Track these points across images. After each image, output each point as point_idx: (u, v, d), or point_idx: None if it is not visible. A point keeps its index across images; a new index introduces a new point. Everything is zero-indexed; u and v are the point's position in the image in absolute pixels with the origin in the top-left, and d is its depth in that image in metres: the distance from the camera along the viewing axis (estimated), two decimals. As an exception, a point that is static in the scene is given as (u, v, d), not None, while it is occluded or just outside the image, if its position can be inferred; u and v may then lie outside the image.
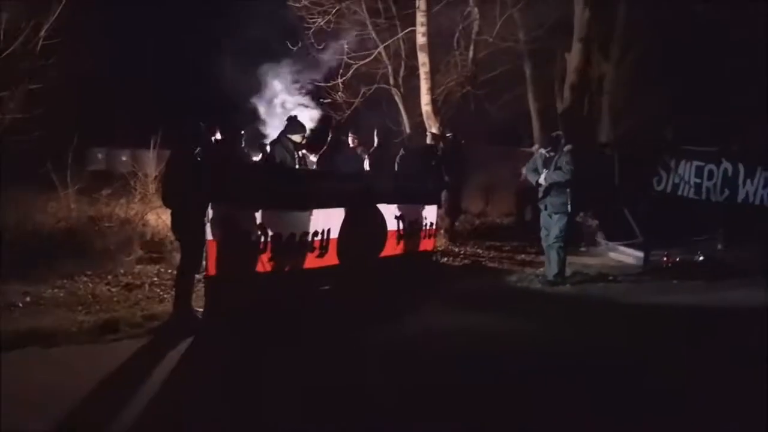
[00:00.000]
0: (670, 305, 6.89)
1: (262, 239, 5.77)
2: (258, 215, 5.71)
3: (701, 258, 9.26)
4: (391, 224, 7.48)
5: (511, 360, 4.87)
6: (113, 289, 6.55)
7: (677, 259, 9.13)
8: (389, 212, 7.44)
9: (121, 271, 7.18)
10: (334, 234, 6.53)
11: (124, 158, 16.27)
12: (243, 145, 6.06)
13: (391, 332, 5.54)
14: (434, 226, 8.45)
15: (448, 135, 10.37)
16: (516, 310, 6.52)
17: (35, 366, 4.44)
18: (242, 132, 5.98)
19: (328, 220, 6.48)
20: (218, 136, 5.99)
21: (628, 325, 6.13)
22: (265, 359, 4.81)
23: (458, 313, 6.31)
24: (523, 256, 9.57)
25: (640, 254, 9.29)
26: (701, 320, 6.29)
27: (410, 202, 7.84)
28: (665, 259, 9.05)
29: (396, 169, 8.79)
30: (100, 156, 18.26)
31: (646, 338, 5.64)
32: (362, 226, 6.90)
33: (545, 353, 5.08)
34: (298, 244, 6.14)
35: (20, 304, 5.80)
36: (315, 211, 6.31)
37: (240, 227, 5.54)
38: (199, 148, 5.55)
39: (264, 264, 5.80)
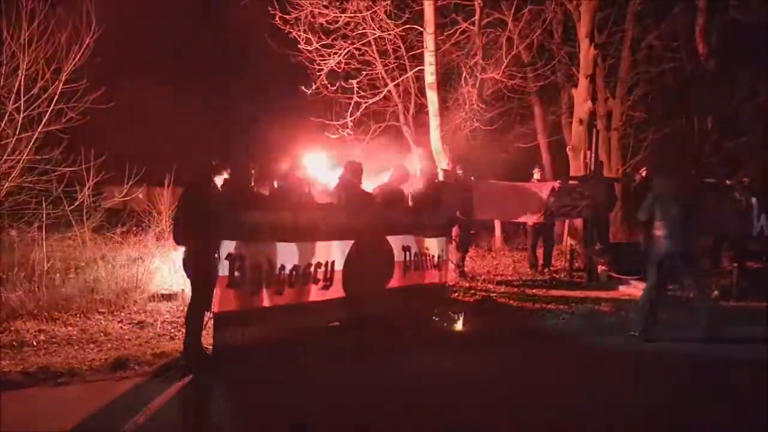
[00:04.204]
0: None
1: (270, 274, 5.81)
2: (266, 250, 5.77)
3: (716, 293, 9.12)
4: (399, 255, 7.50)
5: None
6: (125, 327, 6.62)
7: (691, 295, 8.96)
8: (397, 243, 7.48)
9: (134, 308, 7.27)
10: (340, 266, 6.56)
11: (140, 196, 16.57)
12: (252, 183, 6.18)
13: (384, 372, 5.51)
14: (443, 260, 8.45)
15: (458, 171, 10.45)
16: (520, 353, 6.33)
17: (41, 404, 4.48)
18: (252, 170, 6.10)
19: (335, 252, 6.53)
20: (227, 174, 6.11)
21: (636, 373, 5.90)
22: (270, 395, 4.83)
23: (456, 354, 6.21)
24: (534, 291, 9.48)
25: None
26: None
27: (420, 234, 7.88)
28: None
29: (408, 203, 8.84)
30: (116, 194, 18.55)
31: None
32: (369, 257, 6.91)
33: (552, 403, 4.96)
34: (306, 277, 6.18)
35: (34, 343, 5.88)
36: (323, 244, 6.38)
37: (248, 263, 5.59)
38: (210, 186, 5.69)
39: (271, 299, 5.83)
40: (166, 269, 8.50)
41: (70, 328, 6.41)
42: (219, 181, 5.79)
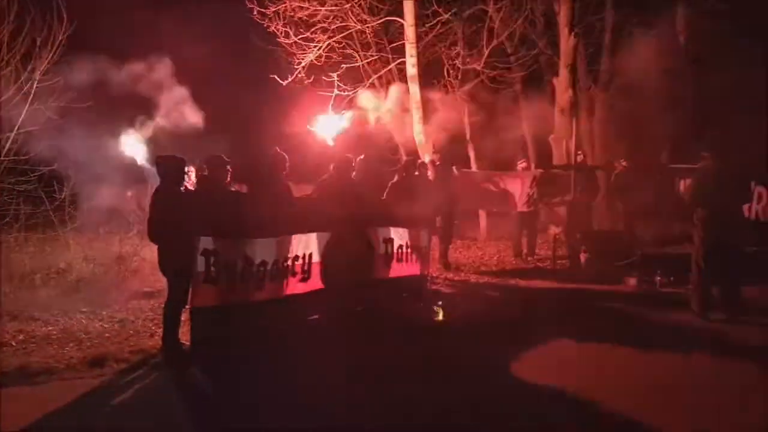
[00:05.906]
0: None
1: (246, 269, 5.85)
2: (242, 245, 5.81)
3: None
4: (380, 248, 7.55)
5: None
6: (106, 325, 6.65)
7: (671, 279, 9.01)
8: (378, 236, 7.53)
9: (116, 307, 7.30)
10: (317, 258, 6.59)
11: (129, 193, 16.53)
12: (228, 179, 6.20)
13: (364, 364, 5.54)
14: (426, 251, 8.50)
15: (437, 163, 10.42)
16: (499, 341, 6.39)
17: (13, 403, 4.50)
18: (228, 167, 6.12)
19: (312, 244, 6.57)
20: (204, 171, 6.14)
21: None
22: (248, 390, 4.87)
23: (436, 344, 6.24)
24: (516, 280, 9.53)
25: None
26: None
27: (401, 226, 7.94)
28: (659, 279, 8.98)
29: (388, 194, 8.87)
30: (104, 192, 18.46)
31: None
32: (348, 249, 6.94)
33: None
34: (284, 270, 6.22)
35: (13, 343, 5.91)
36: (301, 236, 6.42)
37: (224, 258, 5.63)
38: (182, 183, 5.73)
39: (248, 293, 5.88)
40: (148, 267, 8.53)
41: (50, 328, 6.42)
42: (192, 177, 5.82)
